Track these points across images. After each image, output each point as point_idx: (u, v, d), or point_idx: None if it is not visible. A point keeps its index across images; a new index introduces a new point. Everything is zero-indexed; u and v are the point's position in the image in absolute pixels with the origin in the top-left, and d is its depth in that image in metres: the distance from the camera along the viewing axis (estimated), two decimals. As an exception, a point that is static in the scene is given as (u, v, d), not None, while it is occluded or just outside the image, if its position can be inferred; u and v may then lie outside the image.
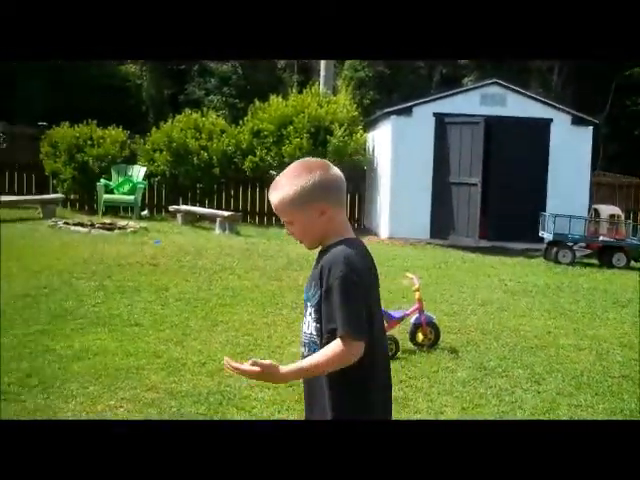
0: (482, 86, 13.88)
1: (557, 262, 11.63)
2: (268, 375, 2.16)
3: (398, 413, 4.67)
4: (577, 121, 13.69)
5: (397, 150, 13.45)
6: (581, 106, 16.13)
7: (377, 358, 2.24)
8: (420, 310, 6.29)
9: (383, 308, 6.72)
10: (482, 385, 5.30)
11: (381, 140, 14.63)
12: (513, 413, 4.72)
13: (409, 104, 13.79)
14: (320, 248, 2.32)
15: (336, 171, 2.33)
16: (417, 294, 6.28)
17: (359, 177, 15.60)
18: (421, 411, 4.72)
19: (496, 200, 13.18)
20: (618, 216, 13.11)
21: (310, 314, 2.26)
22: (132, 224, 12.65)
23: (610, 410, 4.85)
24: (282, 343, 6.04)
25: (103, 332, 6.13)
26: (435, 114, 13.40)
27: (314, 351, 2.22)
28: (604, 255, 11.92)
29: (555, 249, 11.81)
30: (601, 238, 12.21)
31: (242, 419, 4.35)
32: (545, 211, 12.68)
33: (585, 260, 12.17)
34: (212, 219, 13.53)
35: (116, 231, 12.01)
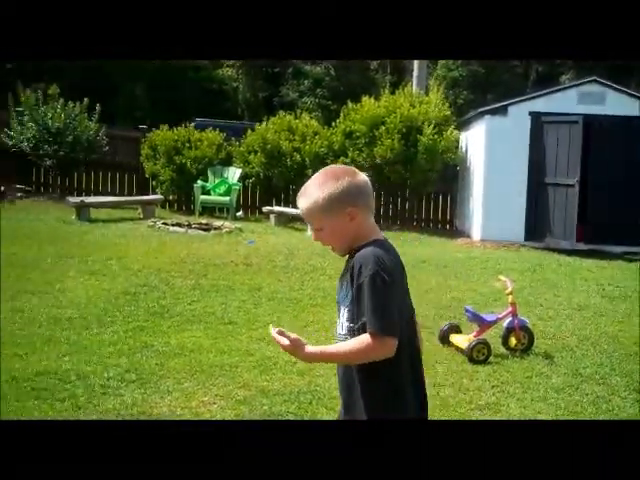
0: (580, 84, 13.45)
1: (660, 266, 11.16)
2: (293, 349, 2.25)
3: (490, 418, 4.61)
4: (681, 119, 13.08)
5: (491, 150, 13.22)
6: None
7: (403, 356, 2.27)
8: (513, 314, 6.18)
9: (476, 311, 6.64)
10: (577, 392, 5.17)
11: (475, 140, 14.41)
12: (610, 422, 4.58)
13: (504, 103, 13.52)
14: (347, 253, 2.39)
15: (363, 176, 2.37)
16: (510, 297, 6.19)
17: (451, 177, 15.44)
18: (513, 417, 4.64)
19: (594, 201, 12.75)
20: None
21: (343, 315, 2.35)
22: (227, 224, 12.93)
23: None
24: (372, 344, 6.05)
25: (198, 330, 6.31)
26: (531, 113, 13.09)
27: None
28: None
29: (657, 253, 11.35)
30: None
31: (331, 419, 4.40)
32: (646, 213, 12.19)
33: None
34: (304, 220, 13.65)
35: (212, 231, 12.30)
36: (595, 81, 13.21)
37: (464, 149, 15.31)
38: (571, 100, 13.01)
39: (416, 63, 20.34)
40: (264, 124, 15.52)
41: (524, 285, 8.80)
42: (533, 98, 13.46)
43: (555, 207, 12.94)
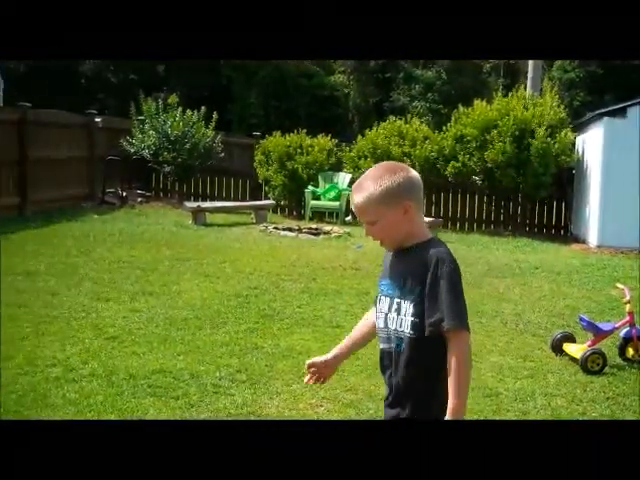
0: None
1: None
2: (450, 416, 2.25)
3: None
4: None
5: (609, 154, 12.71)
6: None
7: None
8: (631, 323, 5.96)
9: (591, 320, 6.44)
10: (700, 407, 4.91)
11: (592, 143, 13.90)
12: None
13: (623, 105, 12.97)
14: (396, 248, 2.43)
15: (415, 173, 2.42)
16: (628, 306, 5.97)
17: (565, 182, 14.94)
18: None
19: None
20: None
21: (400, 309, 2.34)
22: (336, 229, 13.05)
23: None
24: (481, 351, 5.97)
25: (307, 332, 6.41)
26: (652, 115, 12.52)
27: (400, 346, 2.34)
28: None
29: None
30: None
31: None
32: None
33: None
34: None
35: (321, 236, 12.46)
36: None
37: (580, 152, 14.80)
38: (697, 100, 12.35)
39: (530, 65, 19.81)
40: (374, 129, 15.56)
41: (644, 294, 8.42)
42: (654, 99, 12.87)
43: (679, 213, 12.29)
